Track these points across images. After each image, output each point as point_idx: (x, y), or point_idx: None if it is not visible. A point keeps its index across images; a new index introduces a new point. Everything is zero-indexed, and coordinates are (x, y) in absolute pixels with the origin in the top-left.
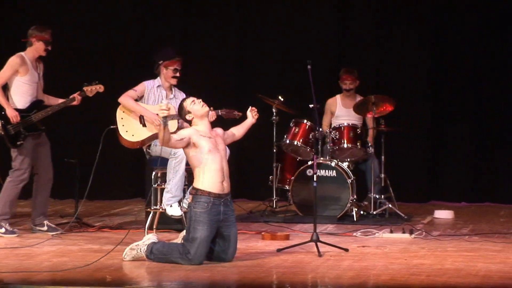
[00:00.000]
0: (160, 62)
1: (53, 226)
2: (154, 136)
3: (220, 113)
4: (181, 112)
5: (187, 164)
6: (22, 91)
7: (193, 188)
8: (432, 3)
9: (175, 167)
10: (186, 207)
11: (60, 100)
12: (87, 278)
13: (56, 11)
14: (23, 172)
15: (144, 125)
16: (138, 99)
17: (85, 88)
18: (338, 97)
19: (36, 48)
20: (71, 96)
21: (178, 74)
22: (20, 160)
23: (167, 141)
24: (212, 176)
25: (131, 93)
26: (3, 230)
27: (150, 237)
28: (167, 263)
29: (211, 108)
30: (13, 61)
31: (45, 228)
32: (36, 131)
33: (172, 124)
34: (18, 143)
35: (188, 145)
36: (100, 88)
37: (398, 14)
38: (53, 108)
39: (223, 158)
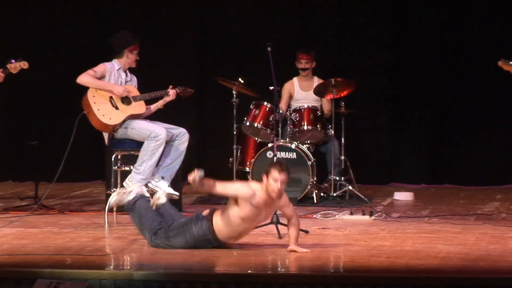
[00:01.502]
0: (126, 47)
1: None
2: (127, 118)
3: (179, 91)
4: (264, 171)
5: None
6: None
7: (213, 216)
8: None
9: (153, 150)
10: (152, 187)
11: None
12: (47, 260)
13: None
14: None
15: (116, 107)
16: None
17: (8, 65)
18: (295, 80)
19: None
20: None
21: (138, 57)
22: None
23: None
24: (231, 232)
25: (90, 72)
26: None
27: (136, 186)
28: (138, 228)
29: (171, 86)
30: None
31: None
32: None
33: (139, 105)
34: None
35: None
36: (24, 65)
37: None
38: None
39: (252, 227)
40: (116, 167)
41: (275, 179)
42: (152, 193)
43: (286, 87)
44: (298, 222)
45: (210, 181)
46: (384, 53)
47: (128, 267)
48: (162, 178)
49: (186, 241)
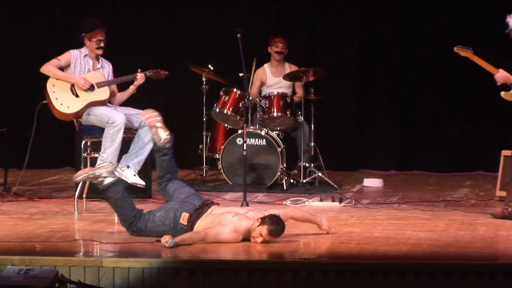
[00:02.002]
0: (83, 34)
1: None
2: (89, 105)
3: (148, 75)
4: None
5: (125, 132)
6: None
7: (191, 228)
8: None
9: (112, 136)
10: (118, 175)
11: None
12: (17, 247)
13: None
14: None
15: (76, 95)
16: (64, 69)
17: None
18: (266, 66)
19: None
20: None
21: (102, 45)
22: None
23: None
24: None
25: (54, 62)
26: None
27: (109, 169)
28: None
29: (139, 70)
30: None
31: None
32: None
33: (102, 92)
34: None
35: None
36: None
37: None
38: None
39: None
40: (85, 154)
41: (262, 234)
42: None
43: (258, 73)
44: (299, 211)
45: (189, 237)
46: (354, 40)
47: (98, 254)
48: (128, 166)
49: (155, 234)
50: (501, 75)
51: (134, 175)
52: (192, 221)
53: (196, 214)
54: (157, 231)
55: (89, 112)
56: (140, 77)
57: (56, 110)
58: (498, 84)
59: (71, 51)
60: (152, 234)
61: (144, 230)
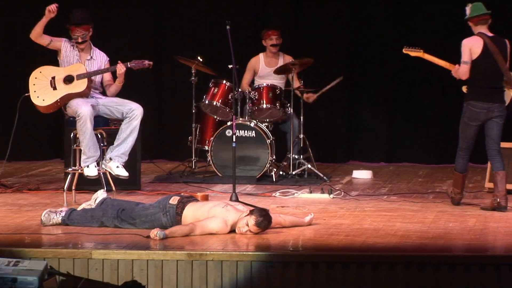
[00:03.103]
0: (68, 26)
1: None
2: (66, 98)
3: (129, 65)
4: (259, 222)
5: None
6: None
7: (183, 210)
8: None
9: (81, 128)
10: (105, 167)
11: None
12: (6, 239)
13: None
14: None
15: (54, 88)
16: (58, 56)
17: None
18: (261, 56)
19: None
20: None
21: (79, 40)
22: None
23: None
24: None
25: (46, 35)
26: None
27: (52, 211)
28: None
29: (119, 61)
30: None
31: None
32: None
33: (79, 84)
34: None
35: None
36: None
37: None
38: None
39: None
40: (75, 146)
41: (248, 225)
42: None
43: (251, 63)
44: (286, 218)
45: (177, 229)
46: (341, 30)
47: (87, 246)
48: (111, 159)
49: (153, 228)
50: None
51: (117, 166)
52: (182, 203)
53: (186, 199)
54: (145, 214)
55: (68, 105)
56: (118, 68)
57: (33, 103)
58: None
59: (64, 39)
60: (141, 217)
61: (132, 213)
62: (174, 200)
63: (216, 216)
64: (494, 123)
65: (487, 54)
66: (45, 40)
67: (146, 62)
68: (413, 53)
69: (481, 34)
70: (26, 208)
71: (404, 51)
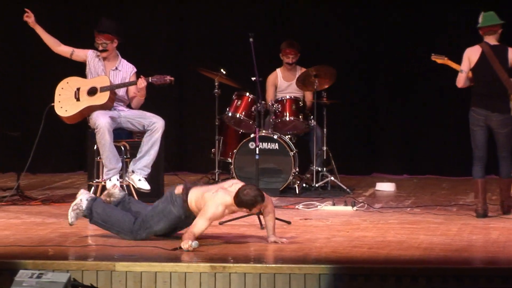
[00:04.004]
0: (94, 33)
1: None
2: (88, 109)
3: (150, 80)
4: (241, 200)
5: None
6: None
7: (187, 195)
8: None
9: (100, 140)
10: (128, 180)
11: None
12: (29, 251)
13: None
14: None
15: (78, 99)
16: (83, 66)
17: None
18: (278, 71)
19: None
20: None
21: (100, 48)
22: None
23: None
24: None
25: (67, 46)
26: None
27: (82, 193)
28: (106, 230)
29: (141, 76)
30: None
31: None
32: None
33: (101, 96)
34: None
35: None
36: None
37: None
38: None
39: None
40: (98, 158)
41: (259, 208)
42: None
43: (270, 79)
44: (274, 210)
45: (190, 234)
46: (363, 43)
47: (111, 258)
48: (133, 172)
49: (170, 224)
50: None
51: (140, 180)
52: (187, 189)
53: (190, 185)
54: (157, 213)
55: (90, 116)
56: (139, 82)
57: (57, 113)
58: None
59: (89, 50)
60: (153, 218)
61: (144, 220)
62: (178, 190)
63: (216, 201)
64: (496, 133)
65: (484, 63)
66: (66, 51)
67: (168, 78)
68: (439, 60)
69: (483, 44)
70: (49, 220)
71: (432, 58)
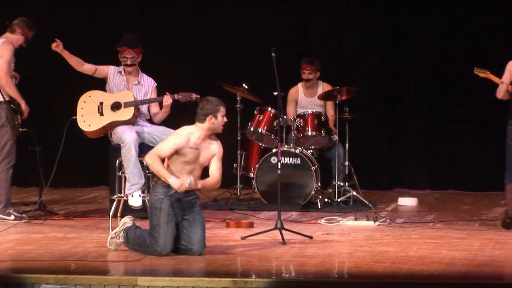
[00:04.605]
0: (118, 48)
1: (19, 214)
2: (112, 124)
3: (176, 97)
4: (203, 109)
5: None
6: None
7: (155, 175)
8: None
9: (126, 155)
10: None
11: None
12: (51, 266)
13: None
14: (11, 158)
15: (101, 114)
16: (104, 82)
17: None
18: (299, 86)
19: (17, 39)
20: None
21: (128, 62)
22: (9, 148)
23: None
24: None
25: (89, 64)
26: (12, 217)
27: (125, 221)
28: (142, 253)
29: (167, 93)
30: (9, 47)
31: (12, 217)
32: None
33: (126, 112)
34: (21, 130)
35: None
36: None
37: (360, 2)
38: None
39: (197, 168)
40: (120, 173)
41: (223, 115)
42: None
43: (291, 93)
44: (217, 181)
45: (153, 155)
46: (385, 57)
47: (132, 273)
48: None
49: (162, 209)
50: None
51: None
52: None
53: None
54: (151, 213)
55: (113, 131)
56: (165, 99)
57: (79, 127)
58: None
59: (110, 66)
60: (151, 216)
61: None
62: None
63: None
64: None
65: None
66: (89, 69)
67: (194, 95)
68: (482, 74)
69: None
70: (71, 235)
71: (475, 71)
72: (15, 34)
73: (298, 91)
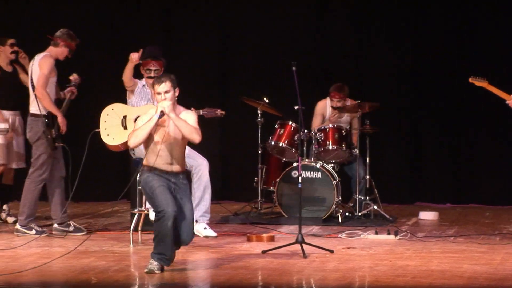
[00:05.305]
0: (140, 61)
1: (78, 226)
2: None
3: (201, 113)
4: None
5: None
6: (51, 92)
7: (142, 164)
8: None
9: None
10: None
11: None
12: (73, 279)
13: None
14: (43, 171)
15: (125, 127)
16: (124, 95)
17: (71, 78)
18: (328, 100)
19: (61, 51)
20: (68, 92)
21: (152, 74)
22: (42, 160)
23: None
24: (159, 159)
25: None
26: (33, 231)
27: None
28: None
29: (192, 108)
30: (49, 61)
31: (72, 228)
32: (62, 138)
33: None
34: (56, 145)
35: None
36: (78, 77)
37: (379, 16)
38: (63, 108)
39: (176, 144)
40: (140, 187)
41: (157, 93)
42: None
43: (320, 107)
44: (191, 128)
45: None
46: (405, 70)
47: (153, 286)
48: (196, 221)
49: (154, 180)
50: None
51: (205, 228)
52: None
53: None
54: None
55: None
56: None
57: (102, 140)
58: None
59: (138, 81)
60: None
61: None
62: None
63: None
64: None
65: None
66: (131, 84)
67: (219, 111)
68: (478, 82)
69: None
70: (92, 249)
71: (470, 80)
72: (59, 47)
73: (326, 106)
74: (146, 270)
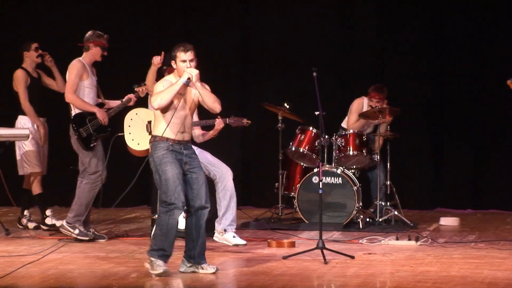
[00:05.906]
0: (165, 67)
1: (84, 231)
2: None
3: (228, 122)
4: (171, 56)
5: None
6: (84, 95)
7: (152, 136)
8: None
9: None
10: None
11: (118, 102)
12: (93, 285)
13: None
14: (99, 174)
15: (150, 133)
16: (146, 100)
17: (137, 89)
18: (364, 99)
19: (94, 53)
20: (126, 97)
21: None
22: (95, 163)
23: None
24: (172, 127)
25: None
26: (77, 231)
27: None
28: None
29: (218, 116)
30: (76, 66)
31: (77, 231)
32: (104, 132)
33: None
34: (91, 145)
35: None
36: (147, 88)
37: (402, 21)
38: (114, 109)
39: (188, 113)
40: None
41: (182, 61)
42: None
43: (357, 104)
44: (214, 97)
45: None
46: (427, 75)
47: None
48: (225, 230)
49: (168, 162)
50: None
51: (234, 236)
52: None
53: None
54: (162, 185)
55: None
56: (217, 123)
57: (127, 145)
58: None
59: None
60: (161, 188)
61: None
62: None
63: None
64: None
65: None
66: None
67: (245, 120)
68: None
69: None
70: (113, 254)
71: (509, 82)
72: (91, 49)
73: (363, 105)
74: (157, 273)
